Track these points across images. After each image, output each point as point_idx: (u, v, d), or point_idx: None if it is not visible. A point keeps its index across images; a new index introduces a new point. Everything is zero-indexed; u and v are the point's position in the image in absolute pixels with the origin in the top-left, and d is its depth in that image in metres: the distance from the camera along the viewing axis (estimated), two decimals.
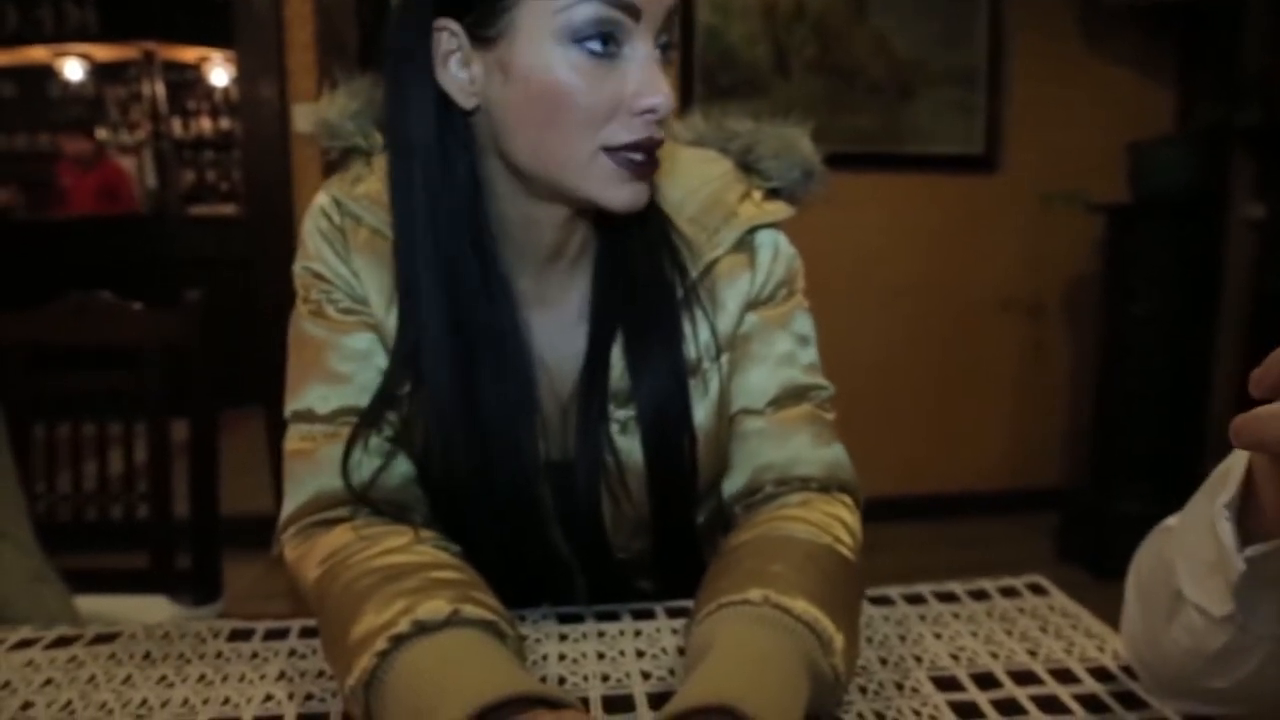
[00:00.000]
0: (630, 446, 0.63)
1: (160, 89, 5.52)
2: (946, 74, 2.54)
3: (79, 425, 1.17)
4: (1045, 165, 2.55)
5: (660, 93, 0.55)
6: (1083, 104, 2.56)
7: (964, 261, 2.64)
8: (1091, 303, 2.55)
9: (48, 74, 5.43)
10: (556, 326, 0.65)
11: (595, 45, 0.54)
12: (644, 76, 0.55)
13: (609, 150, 0.56)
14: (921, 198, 2.58)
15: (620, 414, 0.63)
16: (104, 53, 5.39)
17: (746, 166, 0.68)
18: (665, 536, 0.68)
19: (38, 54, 5.31)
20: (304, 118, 2.31)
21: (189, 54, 5.51)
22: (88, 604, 0.98)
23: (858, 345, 2.49)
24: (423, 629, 0.48)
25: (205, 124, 5.66)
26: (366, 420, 0.62)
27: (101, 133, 5.43)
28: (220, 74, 5.53)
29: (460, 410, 0.60)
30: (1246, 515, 0.42)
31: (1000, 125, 2.57)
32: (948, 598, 0.71)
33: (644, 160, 0.57)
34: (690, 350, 0.64)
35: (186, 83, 5.61)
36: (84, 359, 1.13)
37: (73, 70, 5.42)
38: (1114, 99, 2.56)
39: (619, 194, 0.57)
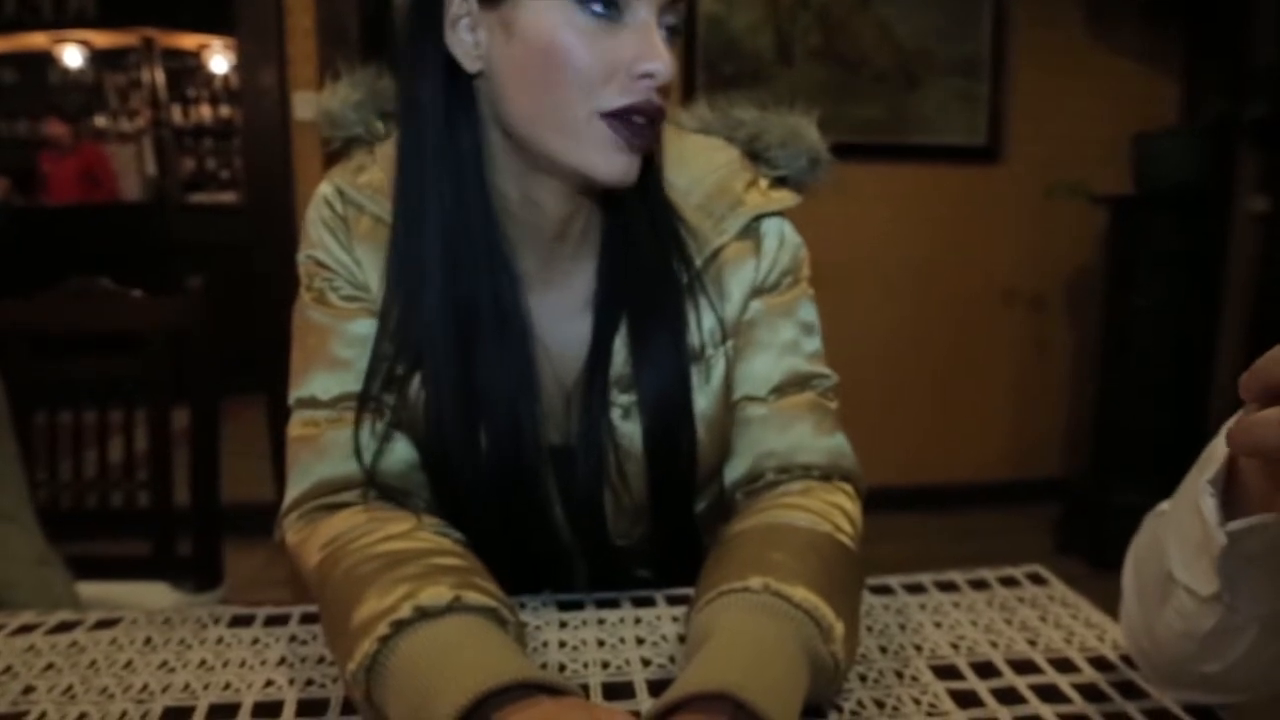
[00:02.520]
0: (631, 432, 0.63)
1: (160, 76, 5.49)
2: (950, 64, 2.53)
3: (80, 412, 1.17)
4: (1049, 156, 2.54)
5: (659, 58, 0.55)
6: (1087, 95, 2.54)
7: (967, 252, 2.63)
8: (1094, 295, 2.54)
9: (47, 60, 5.40)
10: (561, 311, 0.65)
11: (597, 6, 0.54)
12: (644, 42, 0.55)
13: (605, 116, 0.56)
14: (924, 188, 2.57)
15: (623, 399, 0.63)
16: (103, 39, 5.37)
17: (753, 155, 0.68)
18: (663, 524, 0.68)
19: (37, 40, 5.29)
20: (304, 105, 2.30)
21: (189, 41, 5.48)
22: (89, 590, 0.99)
23: (859, 335, 2.49)
24: (424, 615, 0.48)
25: (205, 111, 5.64)
26: (365, 403, 0.62)
27: (101, 120, 5.42)
28: (220, 61, 5.50)
29: (459, 389, 0.60)
30: (1231, 493, 0.42)
31: (1004, 116, 2.56)
32: (948, 587, 0.71)
33: (640, 128, 0.56)
34: (694, 337, 0.64)
35: (186, 70, 5.58)
36: (85, 346, 1.12)
37: (72, 57, 5.39)
38: (1119, 90, 2.55)
39: (610, 164, 0.57)
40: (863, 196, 2.43)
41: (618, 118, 0.56)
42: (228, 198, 5.03)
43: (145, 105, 5.49)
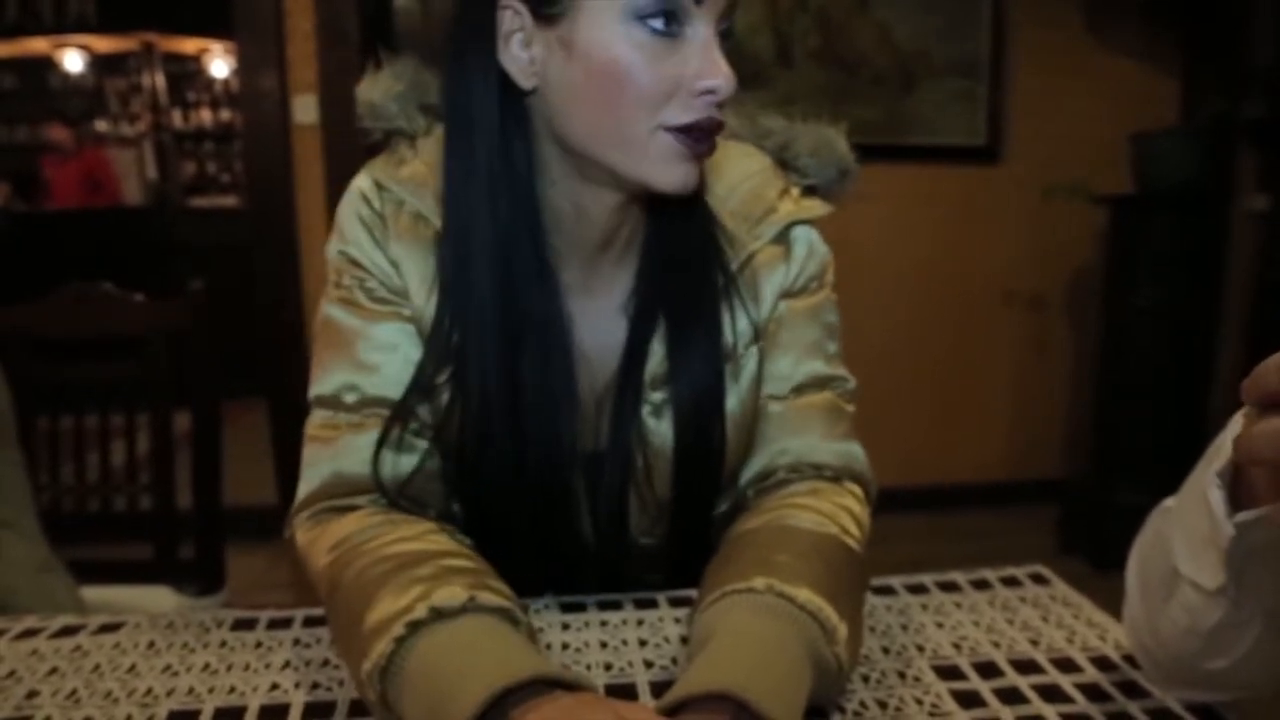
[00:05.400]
0: (662, 430, 0.64)
1: (160, 80, 5.50)
2: (949, 65, 2.53)
3: (82, 416, 1.17)
4: (1048, 157, 2.54)
5: (721, 74, 0.55)
6: (1086, 95, 2.54)
7: (966, 253, 2.63)
8: (1094, 295, 2.54)
9: (47, 66, 5.41)
10: (598, 317, 0.65)
11: (658, 24, 0.54)
12: (704, 57, 0.55)
13: (668, 130, 0.56)
14: (924, 189, 2.58)
15: (655, 396, 0.64)
16: (104, 44, 5.38)
17: (783, 164, 0.69)
18: (683, 524, 0.68)
19: (37, 45, 5.29)
20: (304, 109, 2.30)
21: (189, 45, 5.49)
22: (91, 594, 0.99)
23: (859, 337, 2.46)
24: (440, 615, 0.49)
25: (206, 115, 5.64)
26: (400, 412, 0.62)
27: (101, 124, 5.42)
28: (220, 65, 5.51)
29: (503, 397, 0.60)
30: (1239, 486, 0.42)
31: (1003, 116, 2.56)
32: (950, 587, 0.71)
33: (702, 140, 0.57)
34: (728, 338, 0.65)
35: (187, 74, 5.59)
36: (86, 349, 1.13)
37: (72, 62, 5.40)
38: (1118, 90, 2.55)
39: (673, 174, 0.57)
40: (862, 197, 2.42)
41: (681, 131, 0.56)
42: (228, 201, 5.04)
43: (146, 109, 5.50)
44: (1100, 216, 2.45)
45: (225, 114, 5.57)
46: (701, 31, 0.56)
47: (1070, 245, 2.63)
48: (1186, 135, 2.32)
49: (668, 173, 0.57)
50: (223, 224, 4.25)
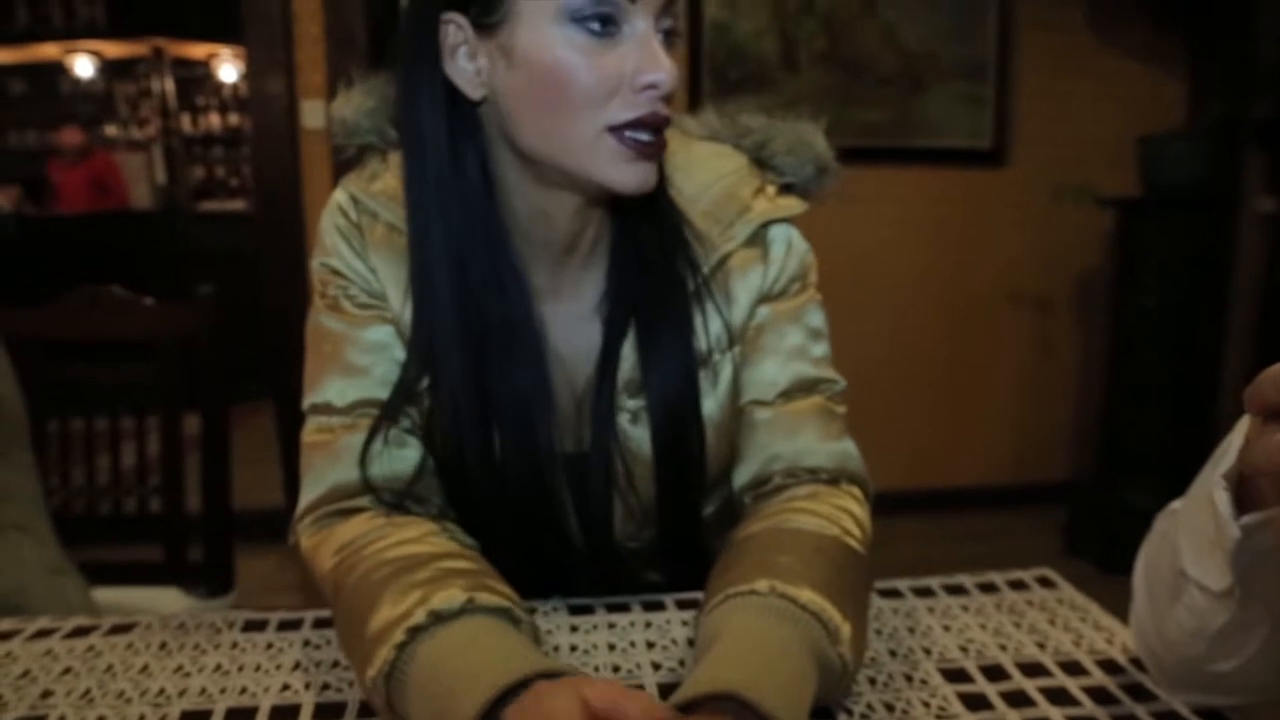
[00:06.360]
0: (640, 436, 0.64)
1: (170, 85, 5.53)
2: (955, 67, 2.53)
3: (92, 419, 1.18)
4: (1055, 159, 2.54)
5: (661, 69, 0.56)
6: (1092, 97, 2.54)
7: (972, 255, 2.63)
8: (1100, 297, 2.54)
9: (58, 71, 5.45)
10: (571, 320, 0.66)
11: (594, 25, 0.55)
12: (644, 53, 0.56)
13: (614, 129, 0.56)
14: (930, 191, 2.57)
15: (631, 404, 0.64)
16: (113, 49, 5.42)
17: (760, 162, 0.69)
18: (671, 527, 0.68)
19: (48, 51, 5.33)
20: (313, 113, 2.31)
21: (198, 50, 5.52)
22: (102, 595, 0.99)
23: (865, 339, 2.48)
24: (439, 619, 0.49)
25: (214, 120, 5.68)
26: (386, 413, 0.63)
27: (111, 129, 5.46)
28: (229, 70, 5.54)
29: (473, 402, 0.61)
30: (1244, 487, 0.42)
31: (1009, 119, 2.56)
32: (956, 590, 0.71)
33: (650, 140, 0.57)
34: (701, 342, 0.65)
35: (196, 79, 5.63)
36: (96, 353, 1.13)
37: (83, 67, 5.44)
38: (1124, 92, 2.54)
39: (626, 175, 0.58)
40: (868, 200, 2.43)
41: (626, 130, 0.56)
42: (237, 205, 5.07)
43: (155, 114, 5.53)
44: (1107, 218, 2.45)
45: (234, 118, 5.60)
46: (639, 28, 0.56)
47: (1077, 247, 2.63)
48: (1193, 137, 2.31)
49: (622, 173, 0.57)
50: (231, 228, 4.27)
